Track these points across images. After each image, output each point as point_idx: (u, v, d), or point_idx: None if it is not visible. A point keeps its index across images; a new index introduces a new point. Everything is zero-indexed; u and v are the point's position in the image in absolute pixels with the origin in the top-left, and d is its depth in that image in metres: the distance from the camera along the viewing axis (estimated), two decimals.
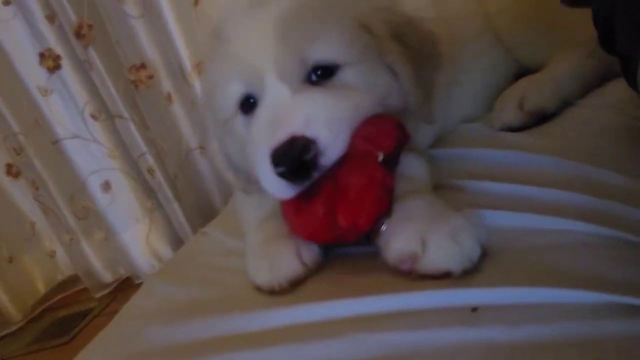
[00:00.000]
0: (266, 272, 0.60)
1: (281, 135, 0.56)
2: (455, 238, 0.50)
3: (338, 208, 0.54)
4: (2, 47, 1.52)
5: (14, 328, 1.85)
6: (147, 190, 1.67)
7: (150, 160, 1.58)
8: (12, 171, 1.86)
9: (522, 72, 0.91)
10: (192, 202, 1.61)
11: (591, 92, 0.85)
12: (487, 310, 0.45)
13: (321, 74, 0.61)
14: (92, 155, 1.65)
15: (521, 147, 0.72)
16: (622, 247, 0.50)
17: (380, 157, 0.55)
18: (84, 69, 1.53)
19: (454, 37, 0.84)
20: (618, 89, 0.76)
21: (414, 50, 0.65)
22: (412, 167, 0.63)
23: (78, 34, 1.45)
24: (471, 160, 0.73)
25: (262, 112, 0.61)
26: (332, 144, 0.56)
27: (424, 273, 0.51)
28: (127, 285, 1.80)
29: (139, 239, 1.72)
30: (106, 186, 1.68)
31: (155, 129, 1.47)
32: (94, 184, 1.68)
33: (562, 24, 0.85)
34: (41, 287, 1.98)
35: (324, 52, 0.61)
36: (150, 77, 1.41)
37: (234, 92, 0.64)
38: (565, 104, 0.82)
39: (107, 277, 1.82)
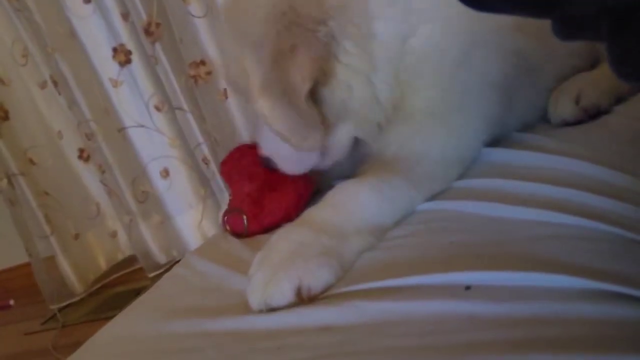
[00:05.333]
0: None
1: None
2: (267, 282, 0.58)
3: None
4: (81, 41, 1.65)
5: (76, 299, 2.01)
6: (202, 179, 1.76)
7: (206, 150, 1.68)
8: (83, 155, 2.02)
9: None
10: None
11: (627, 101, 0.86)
12: (479, 289, 0.49)
13: None
14: (153, 143, 1.75)
15: (541, 149, 0.75)
16: (625, 244, 0.52)
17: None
18: (150, 63, 1.65)
19: None
20: None
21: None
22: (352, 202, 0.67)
23: (147, 31, 1.57)
24: (491, 159, 0.77)
25: None
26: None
27: None
28: None
29: (192, 224, 1.82)
30: (165, 173, 1.79)
31: (210, 121, 1.55)
32: (154, 170, 1.78)
33: None
34: (102, 264, 2.11)
35: None
36: (209, 73, 1.49)
37: None
38: (619, 101, 0.83)
39: (162, 258, 1.91)
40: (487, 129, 0.79)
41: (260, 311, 0.57)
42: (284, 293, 0.56)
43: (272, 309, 0.57)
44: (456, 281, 0.51)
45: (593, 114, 0.81)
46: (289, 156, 0.81)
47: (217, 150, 1.62)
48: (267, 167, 0.87)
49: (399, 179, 0.70)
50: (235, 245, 0.87)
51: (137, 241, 1.88)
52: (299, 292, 0.57)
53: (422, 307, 0.49)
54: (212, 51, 1.48)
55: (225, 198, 1.72)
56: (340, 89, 0.72)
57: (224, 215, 0.96)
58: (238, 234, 0.92)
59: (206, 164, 1.70)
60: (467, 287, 0.50)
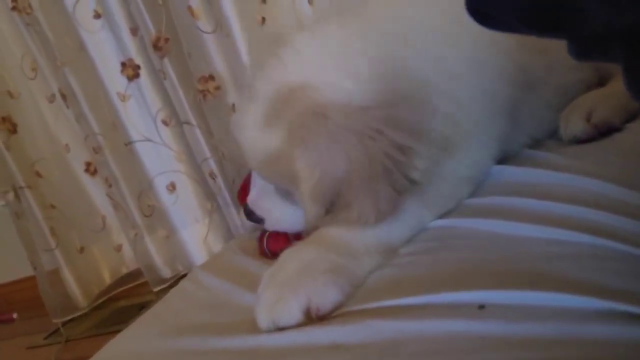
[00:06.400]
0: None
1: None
2: (275, 302, 0.57)
3: None
4: (90, 55, 1.67)
5: (79, 313, 2.00)
6: (208, 193, 1.76)
7: (213, 165, 1.68)
8: (90, 169, 2.02)
9: None
10: None
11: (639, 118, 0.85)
12: (491, 308, 0.49)
13: None
14: (160, 157, 1.76)
15: (552, 166, 0.74)
16: (633, 261, 0.52)
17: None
18: (158, 78, 1.66)
19: None
20: None
21: None
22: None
23: (156, 46, 1.58)
24: (502, 177, 0.77)
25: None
26: None
27: None
28: None
29: (198, 239, 1.81)
30: (171, 187, 1.79)
31: (218, 136, 1.56)
32: (160, 184, 1.78)
33: None
34: (107, 278, 2.10)
35: None
36: (218, 88, 1.50)
37: None
38: (631, 118, 0.82)
39: (167, 272, 1.90)
40: (496, 145, 0.79)
41: (269, 331, 0.56)
42: (292, 313, 0.56)
43: (281, 329, 0.56)
44: (468, 300, 0.50)
45: (604, 131, 0.80)
46: (284, 216, 0.76)
47: (224, 165, 1.62)
48: (249, 219, 0.80)
49: (410, 199, 0.68)
50: (242, 260, 0.87)
51: (142, 255, 1.88)
52: (307, 311, 0.56)
53: (434, 326, 0.48)
54: (220, 66, 1.49)
55: (231, 213, 1.72)
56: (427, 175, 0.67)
57: (262, 234, 0.86)
58: (273, 254, 0.81)
59: (213, 178, 1.70)
60: (481, 307, 0.49)
